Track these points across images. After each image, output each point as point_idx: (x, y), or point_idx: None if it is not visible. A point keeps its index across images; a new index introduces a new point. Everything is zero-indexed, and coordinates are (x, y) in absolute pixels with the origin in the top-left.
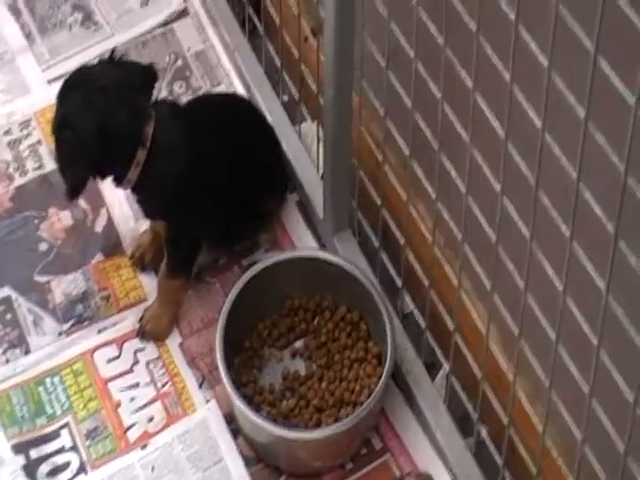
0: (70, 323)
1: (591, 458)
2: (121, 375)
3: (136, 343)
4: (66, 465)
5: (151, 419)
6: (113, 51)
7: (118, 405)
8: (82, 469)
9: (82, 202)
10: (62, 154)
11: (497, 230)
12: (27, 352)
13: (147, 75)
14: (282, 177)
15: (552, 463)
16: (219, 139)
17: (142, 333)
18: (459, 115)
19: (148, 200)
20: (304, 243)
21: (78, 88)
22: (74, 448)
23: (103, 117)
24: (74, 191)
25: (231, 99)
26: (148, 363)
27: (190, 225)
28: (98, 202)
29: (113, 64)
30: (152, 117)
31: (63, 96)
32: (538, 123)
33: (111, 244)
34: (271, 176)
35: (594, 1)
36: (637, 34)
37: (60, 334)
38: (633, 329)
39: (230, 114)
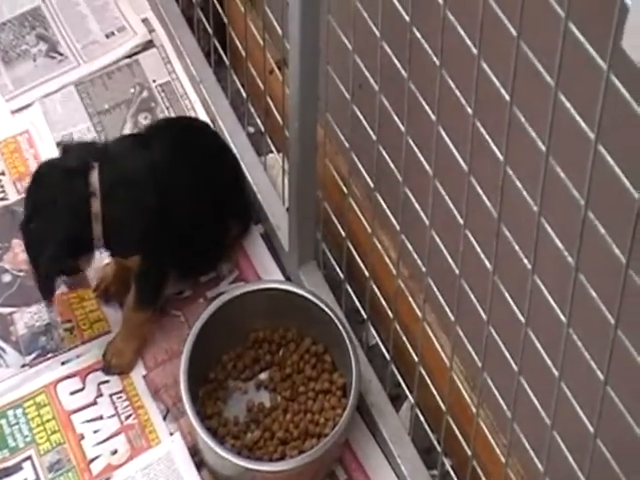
0: (33, 355)
1: None
2: (85, 407)
3: (100, 375)
4: None
5: (115, 452)
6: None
7: (81, 438)
8: None
9: None
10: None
11: (460, 262)
12: None
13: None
14: (246, 205)
15: None
16: (182, 165)
17: (107, 367)
18: (423, 147)
19: (119, 244)
20: (269, 275)
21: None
22: None
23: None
24: (48, 284)
25: (192, 124)
26: (112, 395)
27: (160, 258)
28: None
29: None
30: (94, 167)
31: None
32: (500, 156)
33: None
34: (235, 205)
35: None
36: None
37: (23, 366)
38: (593, 360)
39: (192, 140)
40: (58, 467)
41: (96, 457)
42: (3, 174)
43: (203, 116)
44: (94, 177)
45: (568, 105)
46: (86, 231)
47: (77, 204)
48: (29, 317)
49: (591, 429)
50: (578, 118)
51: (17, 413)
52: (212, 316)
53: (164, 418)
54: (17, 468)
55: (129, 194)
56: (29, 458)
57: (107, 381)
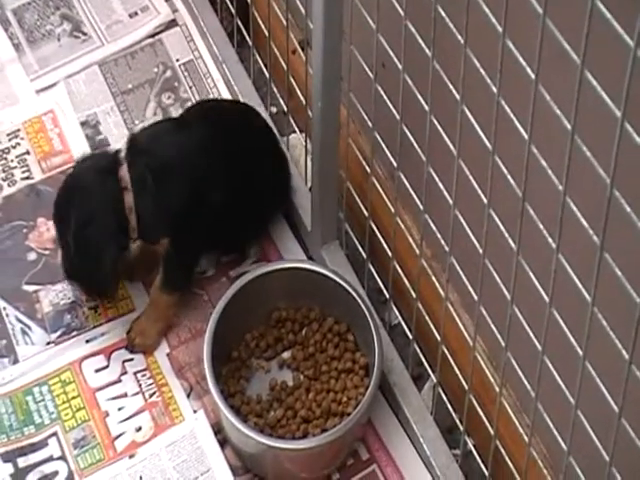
0: (58, 333)
1: (577, 469)
2: (109, 385)
3: (124, 353)
4: (54, 474)
5: (139, 429)
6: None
7: (106, 415)
8: (70, 478)
9: None
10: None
11: (484, 242)
12: (15, 362)
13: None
14: (286, 190)
15: (538, 474)
16: (218, 149)
17: (130, 346)
18: (447, 127)
19: (151, 232)
20: (292, 255)
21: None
22: (62, 457)
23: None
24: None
25: (232, 106)
26: (136, 373)
27: (191, 241)
28: None
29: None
30: (122, 162)
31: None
32: (525, 135)
33: None
34: (275, 189)
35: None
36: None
37: (48, 344)
38: (618, 339)
39: (229, 122)
40: (83, 443)
41: (120, 434)
42: (28, 153)
43: (226, 95)
44: (124, 171)
45: (594, 83)
46: (124, 225)
47: (112, 201)
48: (54, 295)
49: (616, 408)
50: (604, 95)
51: (42, 390)
52: (235, 295)
53: (187, 396)
54: (43, 444)
55: (159, 184)
56: (55, 434)
57: (131, 359)
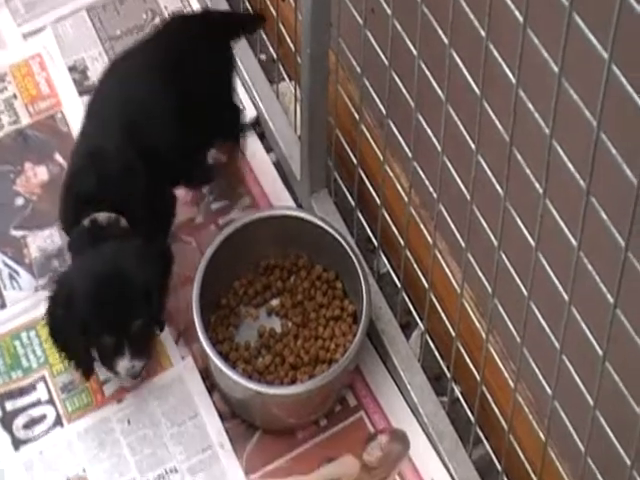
0: (46, 278)
1: (561, 413)
2: None
3: None
4: (42, 418)
5: None
6: None
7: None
8: (58, 422)
9: (58, 156)
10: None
11: (472, 189)
12: (3, 306)
13: None
14: (235, 112)
15: (524, 419)
16: (159, 104)
17: None
18: (436, 73)
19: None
20: (281, 202)
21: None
22: (50, 401)
23: None
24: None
25: (170, 38)
26: None
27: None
28: None
29: None
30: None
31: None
32: (513, 80)
33: None
34: (223, 114)
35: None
36: None
37: (36, 289)
38: (603, 284)
39: (167, 65)
40: (71, 388)
41: (108, 379)
42: (15, 97)
43: None
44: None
45: (582, 25)
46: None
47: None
48: (42, 240)
49: (600, 352)
50: (592, 37)
51: (30, 335)
52: (224, 243)
53: (176, 342)
54: (31, 388)
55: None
56: (42, 379)
57: None
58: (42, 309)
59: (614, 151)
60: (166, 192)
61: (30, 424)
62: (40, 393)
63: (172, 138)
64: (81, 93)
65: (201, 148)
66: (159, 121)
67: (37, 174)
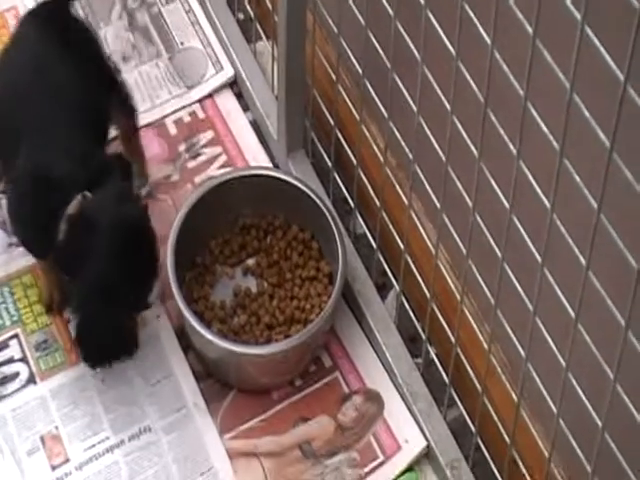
0: None
1: (534, 375)
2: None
3: None
4: (15, 375)
5: None
6: None
7: (68, 320)
8: (31, 379)
9: None
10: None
11: (447, 150)
12: None
13: None
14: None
15: (497, 381)
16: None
17: None
18: (412, 32)
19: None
20: (258, 163)
21: None
22: (23, 359)
23: None
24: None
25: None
26: None
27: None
28: None
29: None
30: None
31: None
32: (488, 40)
33: None
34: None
35: None
36: None
37: (10, 245)
38: (576, 246)
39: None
40: (45, 346)
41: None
42: None
43: (193, 1)
44: None
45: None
46: None
47: None
48: None
49: (572, 315)
50: (568, 3)
51: (4, 292)
52: (199, 201)
53: None
54: (4, 345)
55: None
56: (16, 336)
57: None
58: (15, 266)
59: (587, 114)
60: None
61: (3, 381)
62: (13, 350)
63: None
64: None
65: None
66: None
67: None
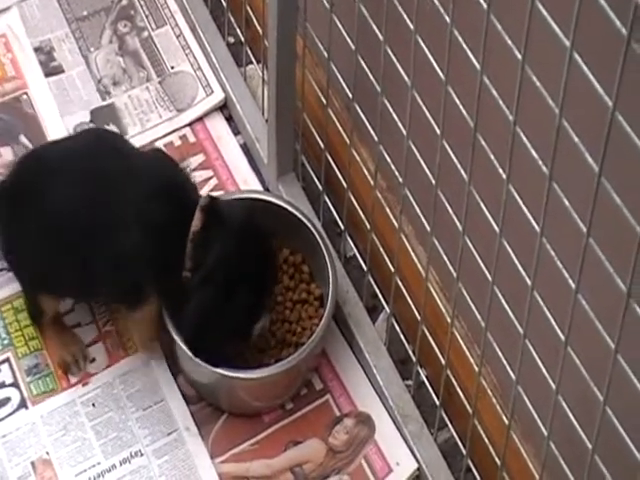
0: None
1: (525, 398)
2: (63, 314)
3: None
4: (6, 400)
5: (93, 360)
6: None
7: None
8: (23, 404)
9: (24, 139)
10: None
11: (437, 173)
12: None
13: None
14: None
15: (488, 403)
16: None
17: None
18: (401, 57)
19: None
20: (248, 186)
21: None
22: (14, 384)
23: None
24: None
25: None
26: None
27: None
28: (40, 139)
29: None
30: None
31: None
32: (478, 66)
33: None
34: None
35: None
36: None
37: (1, 270)
38: (565, 269)
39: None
40: (36, 371)
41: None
42: None
43: (183, 25)
44: None
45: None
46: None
47: None
48: None
49: (562, 337)
50: (557, 29)
51: None
52: None
53: None
54: None
55: None
56: (7, 361)
57: None
58: (6, 291)
59: (576, 139)
60: None
61: None
62: (4, 375)
63: None
64: (47, 74)
65: None
66: None
67: (2, 154)
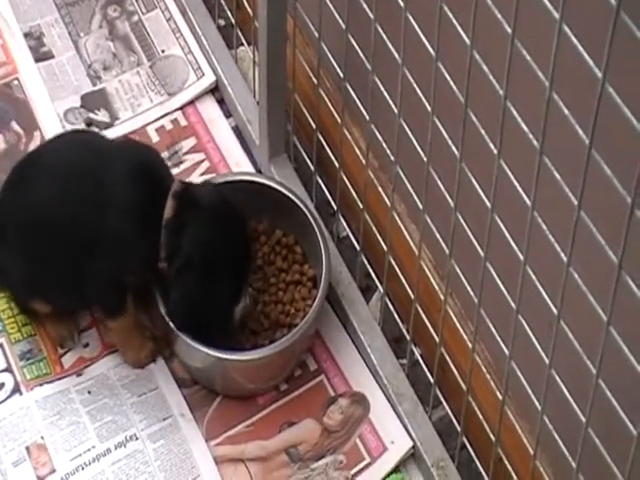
0: None
1: (519, 373)
2: None
3: None
4: (0, 386)
5: (86, 345)
6: None
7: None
8: (17, 389)
9: (15, 125)
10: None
11: (429, 150)
12: None
13: None
14: None
15: (482, 380)
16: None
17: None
18: (392, 35)
19: None
20: (240, 168)
21: None
22: (8, 369)
23: None
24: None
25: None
26: None
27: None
28: (32, 125)
29: None
30: None
31: None
32: (467, 41)
33: None
34: None
35: None
36: None
37: None
38: (557, 243)
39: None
40: (30, 356)
41: (68, 350)
42: None
43: (173, 8)
44: None
45: None
46: None
47: None
48: None
49: (555, 311)
50: (546, 2)
51: None
52: None
53: None
54: None
55: None
56: (0, 346)
57: None
58: None
59: (566, 111)
60: None
61: None
62: None
63: None
64: (37, 60)
65: None
66: None
67: None
